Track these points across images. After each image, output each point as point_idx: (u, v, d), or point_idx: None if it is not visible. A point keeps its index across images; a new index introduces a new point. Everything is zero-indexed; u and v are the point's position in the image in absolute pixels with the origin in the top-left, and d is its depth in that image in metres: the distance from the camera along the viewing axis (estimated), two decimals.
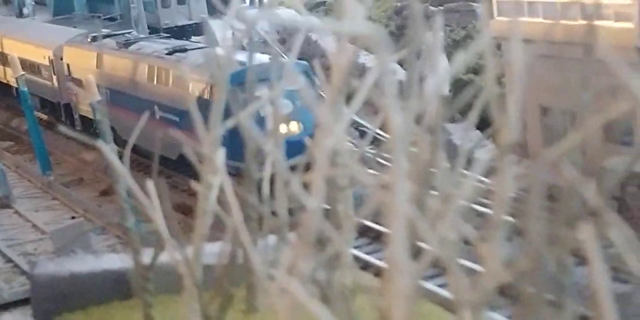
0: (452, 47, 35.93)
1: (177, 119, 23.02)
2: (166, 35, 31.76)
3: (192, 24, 42.41)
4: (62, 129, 13.39)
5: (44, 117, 34.12)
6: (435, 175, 6.71)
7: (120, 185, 9.04)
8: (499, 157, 6.06)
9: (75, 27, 37.83)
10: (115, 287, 10.68)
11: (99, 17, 44.93)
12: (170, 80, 24.46)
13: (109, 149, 8.74)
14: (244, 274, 10.14)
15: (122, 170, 8.73)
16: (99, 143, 9.28)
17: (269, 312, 10.19)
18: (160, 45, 27.26)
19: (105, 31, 33.04)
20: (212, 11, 40.01)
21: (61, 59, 32.08)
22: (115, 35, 30.86)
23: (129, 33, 31.81)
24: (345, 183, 8.00)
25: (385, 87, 5.34)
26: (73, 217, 23.14)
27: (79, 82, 28.81)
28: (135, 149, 9.47)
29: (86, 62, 29.81)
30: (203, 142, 8.40)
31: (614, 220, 5.22)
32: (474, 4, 39.41)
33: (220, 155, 8.06)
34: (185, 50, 25.17)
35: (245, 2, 43.32)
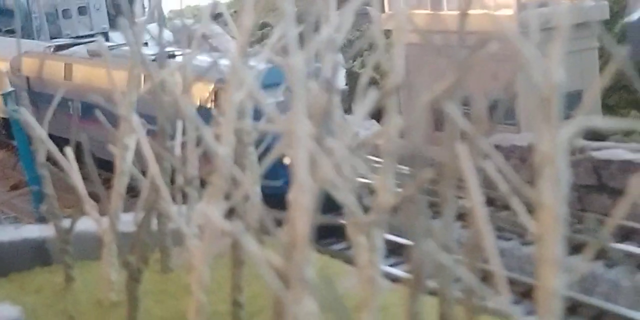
0: (347, 47, 37.31)
1: None
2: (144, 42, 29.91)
3: (94, 34, 42.40)
4: None
5: None
6: (331, 120, 7.58)
7: (39, 151, 9.66)
8: (384, 97, 7.00)
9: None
10: (36, 255, 11.23)
11: None
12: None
13: (28, 114, 9.35)
14: (158, 238, 10.85)
15: (41, 133, 9.37)
16: (19, 113, 9.87)
17: (181, 271, 10.89)
18: None
19: (69, 40, 31.52)
20: (113, 23, 40.27)
21: (19, 71, 29.92)
22: (81, 43, 29.15)
23: (94, 41, 30.40)
24: (250, 138, 8.83)
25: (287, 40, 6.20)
26: None
27: (41, 97, 26.21)
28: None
29: (51, 73, 28.14)
30: (120, 106, 9.10)
31: (488, 150, 6.12)
32: (368, 7, 40.76)
33: (135, 117, 8.78)
34: (173, 56, 23.86)
35: (144, 15, 43.54)
